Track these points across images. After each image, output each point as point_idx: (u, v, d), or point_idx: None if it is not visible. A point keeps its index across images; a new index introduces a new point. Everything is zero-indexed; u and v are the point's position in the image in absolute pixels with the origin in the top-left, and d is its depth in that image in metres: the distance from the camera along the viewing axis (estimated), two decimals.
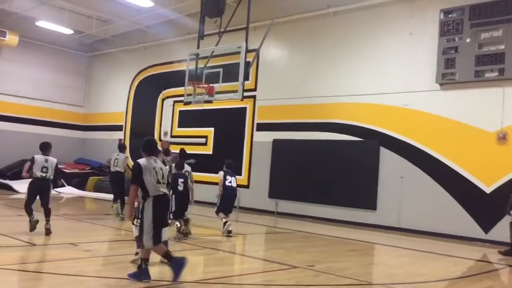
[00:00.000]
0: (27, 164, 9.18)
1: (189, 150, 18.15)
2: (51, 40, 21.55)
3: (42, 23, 19.50)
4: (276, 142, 15.94)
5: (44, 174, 9.11)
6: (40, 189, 9.17)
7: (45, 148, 9.39)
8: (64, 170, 20.09)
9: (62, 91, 22.88)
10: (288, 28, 15.98)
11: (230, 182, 10.84)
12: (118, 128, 21.78)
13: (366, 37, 14.39)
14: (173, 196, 9.16)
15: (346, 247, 10.39)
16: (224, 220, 10.47)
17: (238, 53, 12.15)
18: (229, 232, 10.32)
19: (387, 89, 13.68)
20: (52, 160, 9.31)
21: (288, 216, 14.95)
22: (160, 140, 19.98)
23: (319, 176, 14.60)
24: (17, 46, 20.22)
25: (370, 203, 13.56)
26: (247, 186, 16.63)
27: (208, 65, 13.49)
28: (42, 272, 6.06)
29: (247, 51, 12.06)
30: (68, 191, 18.78)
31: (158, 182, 6.07)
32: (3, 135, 20.43)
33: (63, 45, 22.21)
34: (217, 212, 10.84)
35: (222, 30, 13.10)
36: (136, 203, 6.20)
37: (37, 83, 21.92)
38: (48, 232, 8.80)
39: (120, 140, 21.40)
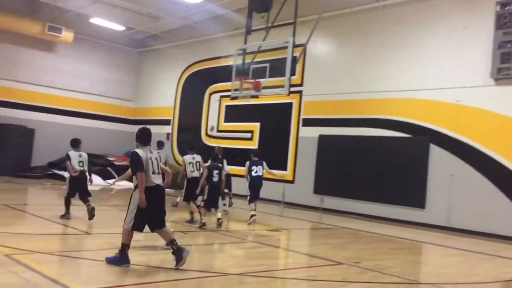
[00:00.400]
0: (68, 163, 9.56)
1: (235, 145, 18.43)
2: (103, 37, 22.28)
3: (96, 20, 20.18)
4: (322, 138, 15.83)
5: (81, 168, 9.52)
6: (79, 182, 9.52)
7: (76, 143, 9.84)
8: (114, 162, 20.80)
9: (113, 86, 23.65)
10: (336, 22, 15.80)
11: (256, 172, 11.37)
12: (166, 122, 22.27)
13: (416, 31, 14.01)
14: (207, 186, 9.76)
15: (392, 245, 10.21)
16: (252, 212, 11.17)
17: (285, 48, 12.14)
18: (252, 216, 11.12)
19: (438, 85, 13.28)
20: (85, 154, 9.71)
21: (333, 212, 14.84)
22: (207, 134, 20.29)
23: (365, 173, 14.39)
24: (72, 42, 21.05)
25: (418, 201, 13.24)
26: (292, 182, 16.63)
27: (255, 60, 13.55)
28: (96, 260, 6.32)
29: (294, 46, 12.03)
30: (118, 182, 19.38)
31: (153, 173, 6.17)
32: (57, 128, 21.32)
33: (115, 41, 22.92)
34: (249, 202, 11.44)
35: (269, 25, 13.13)
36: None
37: (90, 78, 22.74)
38: (92, 214, 9.20)
39: (168, 134, 21.89)
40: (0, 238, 7.08)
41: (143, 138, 6.39)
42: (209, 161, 10.40)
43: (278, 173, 13.25)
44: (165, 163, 12.99)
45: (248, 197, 11.45)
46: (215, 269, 6.57)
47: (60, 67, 21.73)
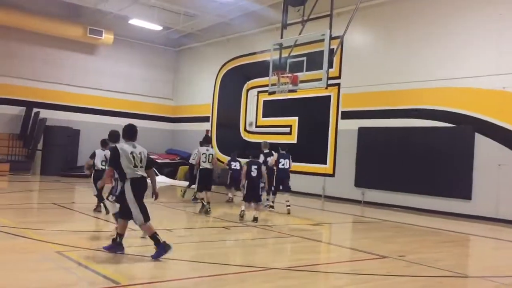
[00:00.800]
0: (89, 160, 10.05)
1: (274, 139, 18.41)
2: (142, 37, 22.74)
3: (134, 21, 20.61)
4: (361, 130, 15.61)
5: (103, 166, 9.84)
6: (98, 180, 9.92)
7: (104, 143, 10.24)
8: (156, 160, 21.21)
9: (153, 85, 24.12)
10: (373, 12, 15.52)
11: (283, 164, 12.12)
12: (205, 119, 22.52)
13: (455, 18, 13.60)
14: (246, 181, 10.17)
15: (438, 238, 9.97)
16: (270, 203, 12.09)
17: (322, 41, 12.04)
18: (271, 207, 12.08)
19: (482, 72, 12.84)
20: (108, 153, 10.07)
21: (375, 205, 14.63)
22: (245, 130, 20.39)
23: (408, 165, 14.10)
24: (112, 44, 21.59)
25: (464, 192, 12.87)
26: (332, 175, 16.50)
27: (291, 54, 13.51)
28: (142, 256, 6.48)
29: (331, 38, 11.90)
30: (160, 180, 19.77)
31: (135, 166, 6.32)
32: (101, 128, 21.83)
33: (153, 41, 23.35)
34: (273, 193, 12.21)
35: (305, 18, 13.04)
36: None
37: (130, 78, 23.29)
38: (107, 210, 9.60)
39: (207, 131, 22.13)
40: (52, 236, 7.37)
41: (129, 134, 6.60)
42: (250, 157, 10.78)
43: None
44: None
45: (273, 187, 12.12)
46: (258, 263, 6.60)
47: (102, 68, 22.35)
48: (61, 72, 21.31)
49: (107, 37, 21.14)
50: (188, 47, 23.74)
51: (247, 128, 20.37)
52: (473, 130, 12.92)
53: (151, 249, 6.36)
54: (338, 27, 12.56)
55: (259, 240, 8.70)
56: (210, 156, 11.15)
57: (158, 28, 21.30)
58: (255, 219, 10.01)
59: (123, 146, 6.41)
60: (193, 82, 23.73)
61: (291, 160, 12.33)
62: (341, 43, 14.05)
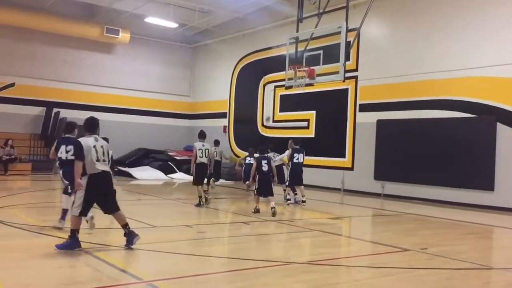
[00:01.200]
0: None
1: (292, 134, 18.38)
2: (158, 35, 22.87)
3: (150, 19, 20.73)
4: (380, 123, 15.46)
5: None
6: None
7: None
8: (175, 157, 21.38)
9: (170, 82, 24.26)
10: (390, 3, 15.32)
11: (298, 158, 12.26)
12: (222, 115, 22.57)
13: (474, 7, 13.34)
14: (258, 175, 10.38)
15: (460, 230, 9.84)
16: (288, 196, 12.36)
17: (338, 33, 11.95)
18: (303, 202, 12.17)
19: (504, 61, 12.58)
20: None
21: (395, 198, 14.50)
22: (263, 125, 20.37)
23: (429, 156, 13.93)
24: (129, 43, 21.76)
25: (486, 183, 12.67)
26: (351, 168, 16.39)
27: (307, 48, 13.42)
28: (164, 252, 6.53)
29: (348, 30, 11.80)
30: (179, 176, 19.92)
31: (98, 160, 6.33)
32: (119, 126, 22.19)
33: (169, 39, 23.46)
34: (289, 186, 12.45)
35: (321, 11, 12.95)
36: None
37: (147, 76, 23.46)
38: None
39: (224, 127, 22.20)
40: None
41: (90, 127, 6.62)
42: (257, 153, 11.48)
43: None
44: (220, 157, 15.54)
45: (287, 182, 12.44)
46: (279, 258, 6.60)
47: (119, 67, 22.56)
48: (80, 72, 21.58)
49: (123, 36, 21.32)
50: (203, 43, 23.79)
51: (264, 123, 20.35)
52: (495, 120, 12.69)
53: (172, 245, 6.42)
54: (354, 19, 12.43)
55: (280, 235, 8.70)
56: (206, 151, 11.38)
57: (174, 25, 21.38)
58: (274, 214, 10.03)
59: (86, 139, 6.42)
60: (209, 79, 23.79)
61: (304, 154, 12.46)
62: (358, 35, 13.93)
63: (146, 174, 19.44)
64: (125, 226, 6.53)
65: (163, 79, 23.98)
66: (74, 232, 6.29)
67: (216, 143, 15.82)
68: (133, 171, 19.59)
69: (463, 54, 13.49)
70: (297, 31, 13.40)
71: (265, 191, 10.37)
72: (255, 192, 10.57)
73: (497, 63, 12.68)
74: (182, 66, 24.64)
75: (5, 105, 19.76)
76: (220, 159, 15.87)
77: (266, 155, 10.81)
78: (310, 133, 17.99)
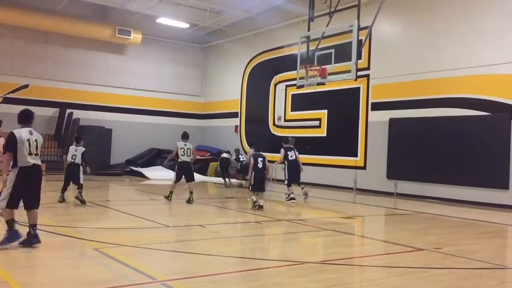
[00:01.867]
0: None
1: (303, 133, 18.36)
2: (169, 35, 22.96)
3: (162, 20, 20.82)
4: (392, 121, 15.37)
5: (71, 161, 10.86)
6: (72, 173, 10.90)
7: (77, 140, 11.33)
8: None
9: (182, 82, 24.34)
10: (402, 1, 15.21)
11: (292, 156, 12.58)
12: (233, 115, 22.60)
13: (488, 4, 13.19)
14: (253, 172, 10.94)
15: (475, 229, 9.75)
16: (292, 195, 12.25)
17: (350, 32, 11.89)
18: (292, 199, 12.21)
19: None
20: (81, 148, 11.03)
21: (408, 197, 14.40)
22: (274, 124, 20.36)
23: (442, 155, 13.81)
24: (141, 43, 21.88)
25: (501, 182, 12.53)
26: (363, 167, 16.32)
27: (319, 46, 13.37)
28: (177, 251, 6.57)
29: (359, 29, 11.74)
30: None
31: (30, 154, 6.25)
32: (132, 127, 22.34)
33: (180, 39, 23.54)
34: (287, 185, 12.50)
35: (332, 10, 12.90)
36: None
37: (159, 76, 23.56)
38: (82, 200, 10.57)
39: (236, 126, 22.21)
40: (89, 233, 7.54)
41: (23, 119, 6.51)
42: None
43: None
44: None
45: (286, 181, 12.60)
46: (293, 257, 6.60)
47: (131, 68, 22.68)
48: (92, 72, 21.75)
49: (135, 36, 21.44)
50: (215, 43, 23.84)
51: (276, 123, 20.33)
52: (509, 117, 12.55)
53: (186, 245, 6.44)
54: (366, 17, 12.37)
55: (292, 234, 8.69)
56: (188, 150, 11.92)
57: (185, 25, 21.45)
58: (261, 207, 10.74)
59: (20, 131, 6.31)
60: (221, 79, 23.83)
61: (296, 151, 12.79)
62: (370, 34, 13.84)
63: (158, 174, 19.53)
64: (33, 226, 6.36)
65: (174, 79, 24.06)
66: (11, 224, 6.24)
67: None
68: (145, 171, 19.71)
69: (475, 51, 13.34)
70: (309, 30, 13.36)
71: (260, 187, 11.05)
72: (250, 188, 11.16)
73: (509, 61, 12.51)
74: (193, 66, 24.71)
75: (19, 106, 19.68)
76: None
77: (261, 153, 11.39)
78: (322, 132, 17.94)
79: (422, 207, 12.46)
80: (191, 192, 11.73)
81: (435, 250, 7.08)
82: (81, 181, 10.85)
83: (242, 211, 11.34)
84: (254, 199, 11.05)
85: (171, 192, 11.87)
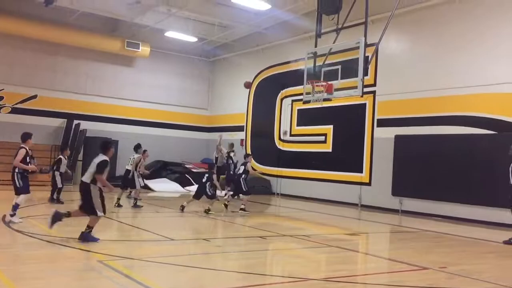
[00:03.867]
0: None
1: (308, 148, 18.38)
2: (177, 49, 23.16)
3: (170, 34, 21.03)
4: (398, 138, 15.36)
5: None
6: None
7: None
8: (192, 169, 21.48)
9: (189, 95, 24.49)
10: (409, 19, 15.31)
11: (239, 170, 13.96)
12: (239, 128, 22.67)
13: (494, 23, 13.24)
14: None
15: (481, 248, 9.68)
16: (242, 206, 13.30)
17: (357, 48, 11.92)
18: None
19: None
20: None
21: (414, 214, 14.33)
22: (280, 139, 20.39)
23: (448, 173, 13.76)
24: (149, 56, 22.09)
25: (506, 201, 12.41)
26: (368, 184, 16.28)
27: (326, 62, 13.44)
28: (181, 265, 6.56)
29: (366, 45, 11.80)
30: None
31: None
32: (138, 139, 22.30)
33: (188, 53, 23.74)
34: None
35: (339, 26, 12.98)
36: None
37: (166, 89, 23.72)
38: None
39: (241, 140, 22.26)
40: (94, 245, 7.56)
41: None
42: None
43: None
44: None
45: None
46: (296, 274, 6.58)
47: (139, 80, 22.87)
48: (100, 84, 21.94)
49: (144, 49, 21.65)
50: (222, 57, 24.01)
51: (282, 137, 20.37)
52: None
53: (190, 258, 6.43)
54: (373, 34, 12.42)
55: (296, 250, 8.67)
56: (132, 159, 13.98)
57: (193, 39, 21.64)
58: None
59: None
60: (227, 92, 23.95)
61: (245, 166, 13.86)
62: (376, 51, 13.89)
63: (163, 186, 19.55)
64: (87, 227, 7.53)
65: (181, 92, 24.22)
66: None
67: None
68: (151, 183, 19.73)
69: (483, 70, 13.38)
70: (316, 46, 13.43)
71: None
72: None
73: None
74: (200, 79, 24.88)
75: (27, 116, 20.16)
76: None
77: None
78: (328, 148, 17.95)
79: (427, 225, 12.39)
80: (135, 199, 13.33)
81: (440, 269, 7.03)
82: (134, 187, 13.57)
83: (246, 225, 11.32)
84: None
85: (118, 199, 13.10)
